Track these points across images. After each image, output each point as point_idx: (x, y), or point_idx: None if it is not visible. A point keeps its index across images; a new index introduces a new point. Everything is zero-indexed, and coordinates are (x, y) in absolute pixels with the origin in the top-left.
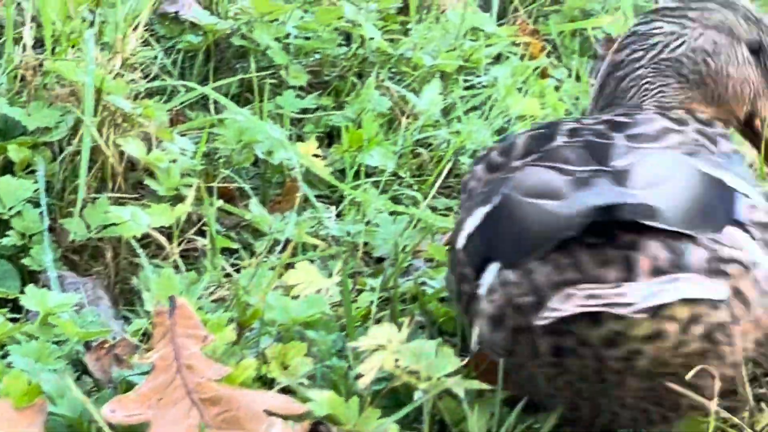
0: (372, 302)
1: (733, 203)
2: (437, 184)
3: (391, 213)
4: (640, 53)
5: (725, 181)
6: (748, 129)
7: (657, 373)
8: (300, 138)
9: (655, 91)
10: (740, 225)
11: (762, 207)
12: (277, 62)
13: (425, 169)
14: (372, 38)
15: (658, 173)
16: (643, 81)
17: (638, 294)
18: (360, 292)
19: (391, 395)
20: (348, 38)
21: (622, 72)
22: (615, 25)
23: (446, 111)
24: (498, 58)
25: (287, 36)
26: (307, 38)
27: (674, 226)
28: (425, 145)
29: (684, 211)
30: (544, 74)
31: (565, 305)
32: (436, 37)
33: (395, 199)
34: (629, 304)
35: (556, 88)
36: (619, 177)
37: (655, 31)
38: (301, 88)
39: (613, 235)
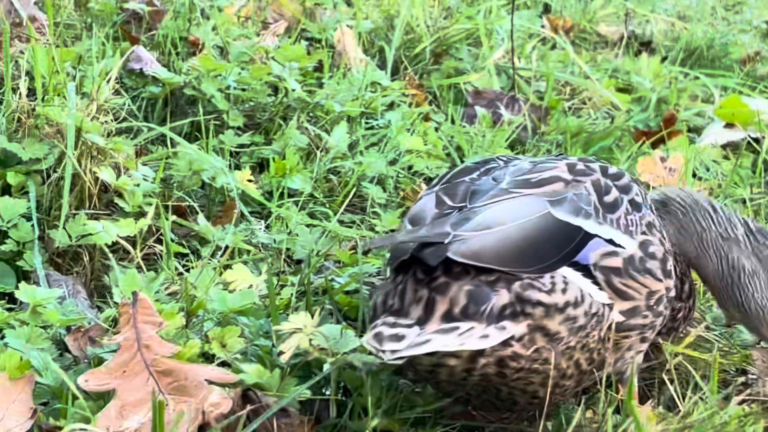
0: (292, 295)
1: (580, 247)
2: (344, 203)
3: (308, 225)
4: (704, 220)
5: (583, 228)
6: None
7: (493, 383)
8: (237, 167)
9: (678, 236)
10: (581, 267)
11: (625, 254)
12: (219, 108)
13: (335, 191)
14: (294, 90)
15: (501, 216)
16: (683, 226)
17: (405, 342)
18: (283, 287)
19: (305, 367)
20: (276, 90)
21: (685, 213)
22: (481, 81)
23: (351, 146)
24: (391, 106)
25: (228, 87)
26: (244, 89)
27: (490, 264)
28: (335, 173)
29: (510, 251)
30: (426, 118)
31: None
32: (343, 89)
33: (311, 215)
34: (394, 351)
35: (436, 129)
36: (466, 217)
37: (724, 224)
38: (238, 128)
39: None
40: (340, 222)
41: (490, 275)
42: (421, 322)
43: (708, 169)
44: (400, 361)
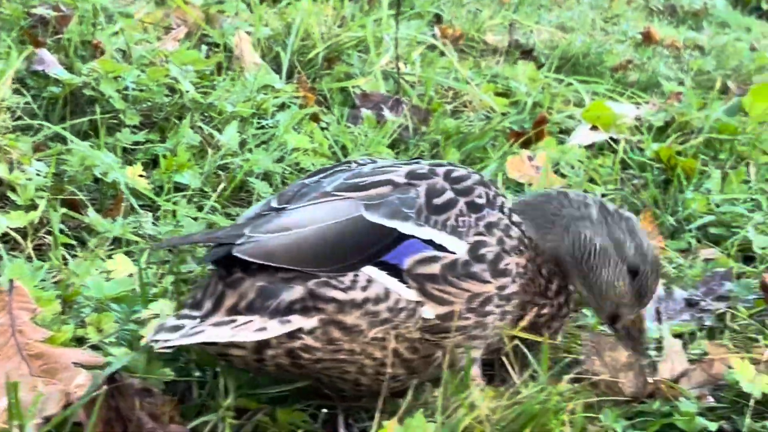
0: (171, 283)
1: (391, 248)
2: (231, 198)
3: (194, 218)
4: (556, 208)
5: (397, 229)
6: (611, 325)
7: (296, 372)
8: (131, 163)
9: (538, 227)
10: (389, 266)
11: (446, 260)
12: (117, 107)
13: (226, 186)
14: (188, 91)
15: (307, 218)
16: (540, 219)
17: (179, 333)
18: (164, 276)
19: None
20: (174, 91)
21: (542, 206)
22: (369, 85)
23: (242, 144)
24: (283, 107)
25: (126, 88)
26: (142, 90)
27: (283, 264)
28: (225, 169)
29: (305, 252)
30: (316, 119)
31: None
32: (237, 91)
33: (200, 208)
34: (167, 340)
35: (324, 129)
36: (272, 219)
37: (578, 205)
38: (135, 127)
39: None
40: (227, 215)
41: (288, 273)
42: (208, 314)
43: (573, 167)
44: (170, 350)
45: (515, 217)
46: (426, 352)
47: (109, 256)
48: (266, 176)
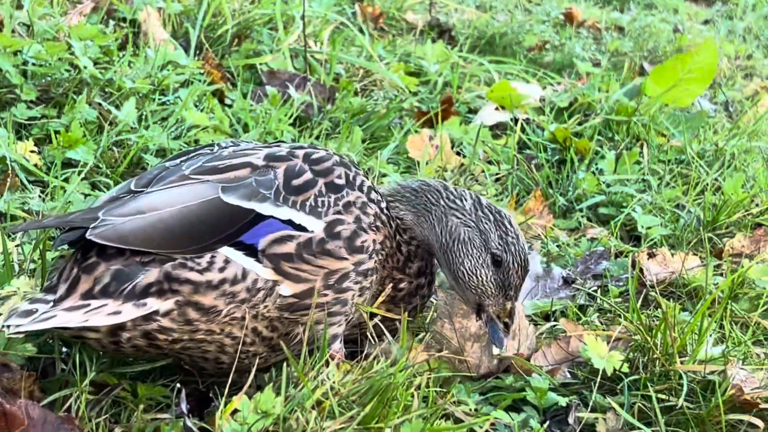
0: (52, 260)
1: (248, 228)
2: (125, 174)
3: (86, 195)
4: (434, 198)
5: (256, 210)
6: (477, 316)
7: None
8: (27, 138)
9: (416, 213)
10: (245, 246)
11: (302, 238)
12: (14, 82)
13: (119, 163)
14: (86, 67)
15: (162, 201)
16: (419, 206)
17: (30, 318)
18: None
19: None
20: (75, 66)
21: (422, 193)
22: (275, 62)
23: (142, 121)
24: (186, 84)
25: (25, 63)
26: (41, 65)
27: (137, 247)
28: (122, 146)
29: (160, 234)
30: (222, 96)
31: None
32: (138, 67)
33: (94, 185)
34: (18, 326)
35: (229, 106)
36: (126, 202)
37: (454, 197)
38: (32, 102)
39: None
40: None
41: (145, 257)
42: (62, 299)
43: (474, 147)
44: (21, 335)
45: (373, 195)
46: (285, 330)
47: None
48: (163, 153)
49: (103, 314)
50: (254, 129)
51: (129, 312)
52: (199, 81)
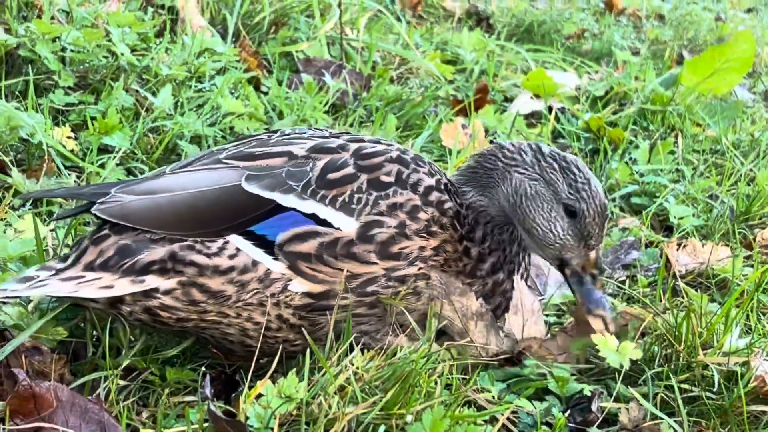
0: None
1: (264, 218)
2: (161, 160)
3: (121, 181)
4: (491, 163)
5: (276, 200)
6: (561, 273)
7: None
8: (65, 124)
9: (484, 188)
10: (255, 237)
11: (326, 238)
12: (52, 68)
13: (153, 148)
14: (123, 53)
15: (179, 184)
16: (484, 178)
17: (26, 284)
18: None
19: (70, 310)
20: (113, 53)
21: (480, 165)
22: (312, 50)
23: (178, 107)
24: (223, 71)
25: (63, 50)
26: (79, 52)
27: (138, 225)
28: (157, 132)
29: (166, 215)
30: (258, 83)
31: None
32: (175, 54)
33: (129, 171)
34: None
35: (265, 93)
36: (147, 180)
37: (512, 154)
38: (70, 88)
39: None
40: None
41: (155, 235)
42: (66, 268)
43: (509, 135)
44: (12, 300)
45: (435, 195)
46: (312, 320)
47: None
48: (198, 140)
49: (94, 287)
50: (288, 116)
51: (123, 287)
52: (236, 68)
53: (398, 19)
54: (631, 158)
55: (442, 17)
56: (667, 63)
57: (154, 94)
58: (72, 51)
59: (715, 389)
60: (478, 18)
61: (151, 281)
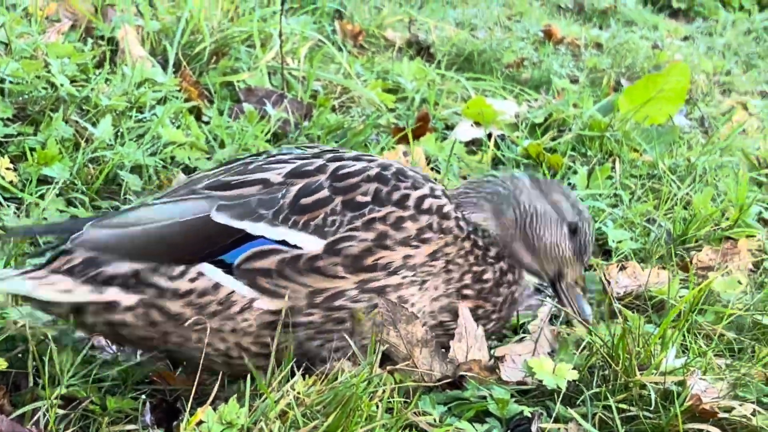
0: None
1: (233, 247)
2: (100, 191)
3: (61, 211)
4: (496, 188)
5: (246, 230)
6: (552, 287)
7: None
8: (2, 155)
9: (487, 212)
10: (225, 264)
11: (287, 255)
12: None
13: (93, 179)
14: (62, 84)
15: (155, 215)
16: (489, 200)
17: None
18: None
19: (9, 340)
20: (53, 84)
21: (476, 190)
22: (253, 79)
23: (118, 138)
24: (163, 101)
25: (2, 81)
26: (18, 83)
27: (107, 254)
28: (97, 162)
29: (133, 245)
30: (199, 113)
31: None
32: (115, 84)
33: (69, 201)
34: None
35: (206, 123)
36: (123, 213)
37: (515, 181)
38: (9, 119)
39: None
40: (97, 208)
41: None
42: (34, 270)
43: (448, 163)
44: None
45: (428, 203)
46: (279, 345)
47: None
48: (138, 169)
49: (53, 289)
50: (230, 146)
51: (82, 294)
52: (176, 98)
53: (339, 49)
54: (570, 184)
55: (383, 47)
56: (605, 90)
57: (94, 124)
58: (11, 82)
59: (652, 408)
60: (419, 47)
61: (112, 294)
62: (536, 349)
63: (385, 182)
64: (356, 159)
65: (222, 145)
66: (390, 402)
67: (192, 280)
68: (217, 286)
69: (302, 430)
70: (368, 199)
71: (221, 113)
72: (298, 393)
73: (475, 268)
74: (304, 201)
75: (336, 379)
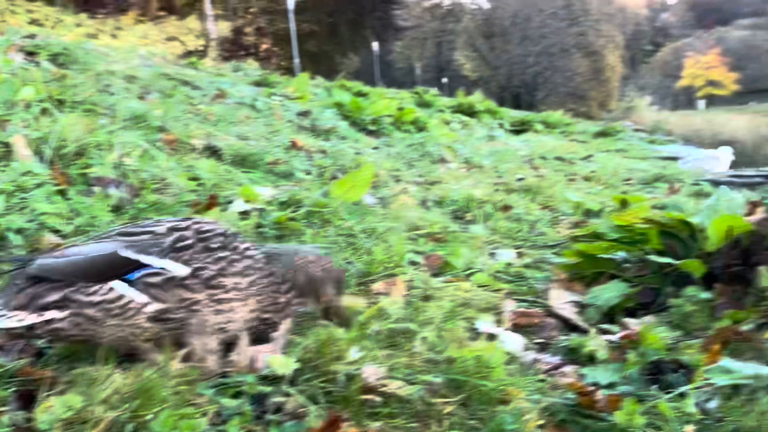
0: None
1: (133, 271)
2: None
3: None
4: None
5: (141, 260)
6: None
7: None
8: None
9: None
10: (128, 281)
11: (169, 275)
12: None
13: None
14: None
15: (86, 250)
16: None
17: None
18: None
19: None
20: None
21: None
22: (102, 171)
23: (8, 210)
24: (41, 185)
25: None
26: None
27: (60, 278)
28: None
29: (72, 270)
30: (65, 194)
31: None
32: (7, 174)
33: None
34: None
35: (69, 200)
36: (65, 249)
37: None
38: None
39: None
40: None
41: (57, 284)
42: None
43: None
44: None
45: (249, 253)
46: (160, 327)
47: None
48: (21, 231)
49: (12, 321)
50: (84, 215)
51: (30, 319)
52: (50, 183)
53: (160, 150)
54: (302, 241)
55: (189, 150)
56: (326, 180)
57: None
58: None
59: (342, 386)
60: (213, 151)
61: (49, 314)
62: (276, 349)
63: (226, 237)
64: (210, 223)
65: (78, 214)
66: (180, 389)
67: (104, 293)
68: (120, 296)
69: (118, 409)
70: (216, 245)
71: (79, 193)
72: (117, 384)
73: (272, 293)
74: (179, 245)
75: (143, 372)
